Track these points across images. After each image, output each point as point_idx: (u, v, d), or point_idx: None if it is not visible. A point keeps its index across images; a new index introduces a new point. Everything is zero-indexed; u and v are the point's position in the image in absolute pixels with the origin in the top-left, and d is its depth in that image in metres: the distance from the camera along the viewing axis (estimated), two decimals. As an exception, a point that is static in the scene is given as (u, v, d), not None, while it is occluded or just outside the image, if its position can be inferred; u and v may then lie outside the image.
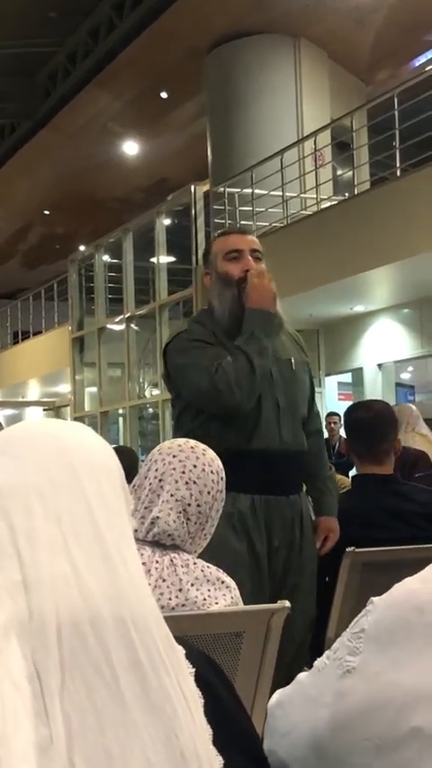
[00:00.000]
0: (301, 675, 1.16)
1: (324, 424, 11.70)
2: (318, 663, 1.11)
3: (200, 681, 0.90)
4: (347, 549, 2.92)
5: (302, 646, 2.99)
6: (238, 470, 2.79)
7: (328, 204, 11.60)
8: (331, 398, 13.36)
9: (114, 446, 7.09)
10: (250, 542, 2.94)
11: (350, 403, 13.25)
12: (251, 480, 2.95)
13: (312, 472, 3.16)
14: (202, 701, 0.88)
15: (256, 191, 11.98)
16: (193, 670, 0.91)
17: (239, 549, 2.92)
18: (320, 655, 1.12)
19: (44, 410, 20.83)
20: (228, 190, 12.53)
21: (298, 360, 3.15)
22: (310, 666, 1.14)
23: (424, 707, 0.94)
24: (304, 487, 3.17)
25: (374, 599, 1.05)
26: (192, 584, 1.99)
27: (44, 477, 0.87)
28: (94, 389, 16.39)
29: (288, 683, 1.19)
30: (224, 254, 3.07)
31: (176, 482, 2.06)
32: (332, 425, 11.13)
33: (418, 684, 0.95)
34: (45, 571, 0.82)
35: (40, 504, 0.86)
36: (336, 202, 11.64)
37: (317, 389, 13.81)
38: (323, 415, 12.21)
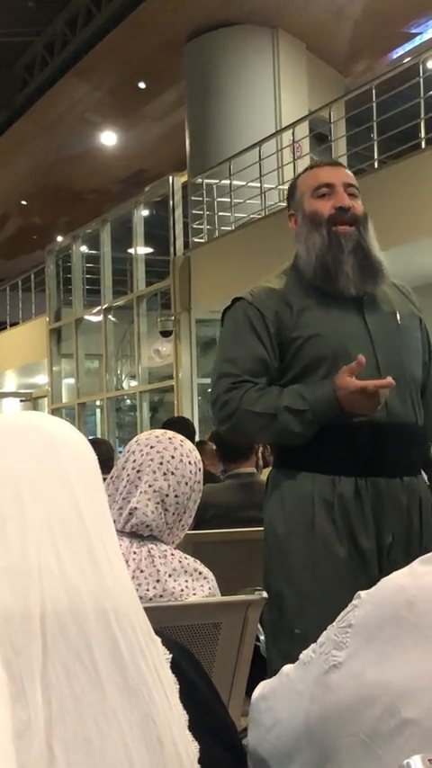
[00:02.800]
0: (287, 668, 1.16)
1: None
2: (303, 656, 1.11)
3: (175, 668, 0.91)
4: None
5: None
6: (338, 449, 2.45)
7: (306, 196, 11.61)
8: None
9: (91, 438, 7.08)
10: (354, 540, 2.43)
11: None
12: (354, 460, 2.44)
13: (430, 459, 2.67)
14: (178, 686, 0.89)
15: (234, 182, 11.97)
16: (170, 656, 0.92)
17: (341, 554, 2.42)
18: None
19: (21, 401, 20.75)
20: (206, 181, 12.51)
21: (405, 312, 2.62)
22: None
23: (415, 700, 0.94)
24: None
25: (362, 593, 1.05)
26: (169, 576, 1.99)
27: (33, 467, 0.87)
28: (71, 381, 16.35)
29: None
30: (313, 189, 2.60)
31: (154, 473, 2.06)
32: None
33: (408, 679, 0.95)
34: (32, 560, 0.82)
35: (30, 493, 0.86)
36: (314, 194, 11.63)
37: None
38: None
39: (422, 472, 2.60)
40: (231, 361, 2.53)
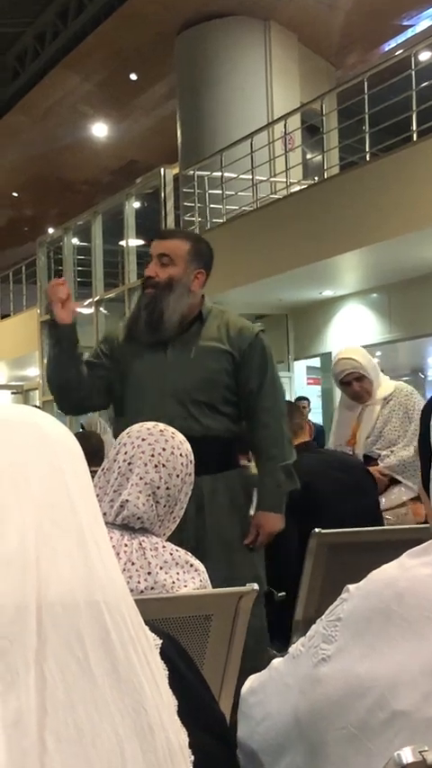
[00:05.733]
0: (276, 662, 1.16)
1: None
2: (292, 650, 1.11)
3: (162, 656, 0.91)
4: (314, 531, 2.95)
5: None
6: None
7: (297, 188, 11.60)
8: (300, 383, 13.39)
9: (82, 431, 7.07)
10: None
11: (319, 388, 13.27)
12: None
13: (257, 466, 3.26)
14: (167, 672, 0.89)
15: (226, 174, 11.95)
16: (159, 641, 0.92)
17: None
18: (288, 637, 1.12)
19: (12, 393, 20.73)
20: (197, 173, 12.49)
21: (205, 347, 3.24)
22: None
23: (405, 692, 0.94)
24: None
25: (350, 587, 1.05)
26: (161, 568, 1.99)
27: (28, 459, 0.88)
28: (62, 373, 16.28)
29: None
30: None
31: (146, 465, 2.06)
32: (301, 410, 11.12)
33: (397, 671, 0.95)
34: (30, 551, 0.82)
35: (27, 484, 0.86)
36: (305, 186, 11.64)
37: (285, 374, 13.63)
38: (292, 399, 12.24)
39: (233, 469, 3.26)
40: None
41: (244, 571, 3.10)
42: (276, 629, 3.26)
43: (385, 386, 4.58)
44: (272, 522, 3.17)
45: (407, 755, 0.84)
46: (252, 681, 1.21)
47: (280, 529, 3.18)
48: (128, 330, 3.33)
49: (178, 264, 3.24)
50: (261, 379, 3.26)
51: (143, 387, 3.22)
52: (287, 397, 13.62)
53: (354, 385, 4.55)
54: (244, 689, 1.22)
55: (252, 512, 3.23)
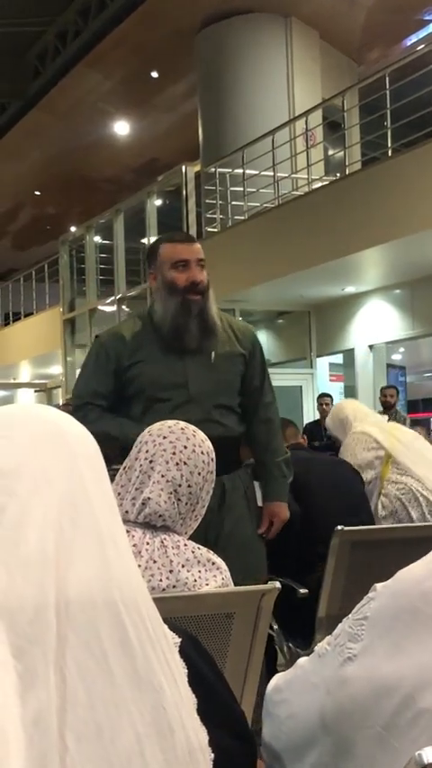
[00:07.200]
0: (302, 660, 1.15)
1: (316, 405, 11.72)
2: (318, 648, 1.11)
3: (181, 654, 0.92)
4: (336, 528, 2.95)
5: None
6: None
7: (319, 184, 11.57)
8: (322, 380, 13.37)
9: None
10: None
11: (341, 384, 13.25)
12: None
13: (259, 459, 3.33)
14: (186, 671, 0.90)
15: (248, 171, 11.95)
16: (179, 640, 0.92)
17: None
18: (312, 634, 1.11)
19: (36, 392, 20.81)
20: (219, 170, 12.49)
21: (222, 353, 3.26)
22: None
23: (431, 690, 0.94)
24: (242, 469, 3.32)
25: (378, 585, 1.05)
26: (182, 566, 1.99)
27: (48, 459, 0.88)
28: (85, 371, 16.33)
29: None
30: (172, 262, 3.18)
31: (167, 463, 2.06)
32: (324, 407, 11.10)
33: (424, 670, 0.95)
34: (49, 550, 0.82)
35: (47, 484, 0.86)
36: (327, 183, 11.61)
37: (308, 371, 13.56)
38: (314, 396, 12.23)
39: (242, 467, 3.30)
40: (77, 388, 3.31)
41: (261, 564, 3.19)
42: (297, 625, 3.27)
43: None
44: (284, 511, 3.28)
45: (428, 755, 0.84)
46: (277, 679, 1.21)
47: (288, 517, 3.29)
48: (173, 338, 3.19)
49: (206, 268, 3.25)
50: (263, 376, 3.37)
51: (165, 393, 3.17)
52: (309, 394, 13.55)
53: None
54: (269, 687, 1.21)
55: (259, 503, 3.31)
